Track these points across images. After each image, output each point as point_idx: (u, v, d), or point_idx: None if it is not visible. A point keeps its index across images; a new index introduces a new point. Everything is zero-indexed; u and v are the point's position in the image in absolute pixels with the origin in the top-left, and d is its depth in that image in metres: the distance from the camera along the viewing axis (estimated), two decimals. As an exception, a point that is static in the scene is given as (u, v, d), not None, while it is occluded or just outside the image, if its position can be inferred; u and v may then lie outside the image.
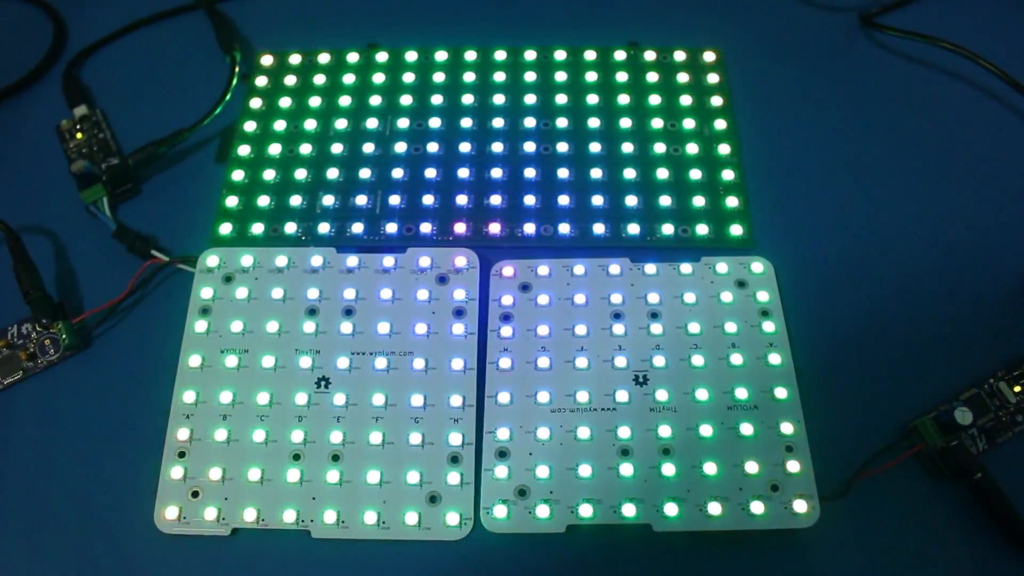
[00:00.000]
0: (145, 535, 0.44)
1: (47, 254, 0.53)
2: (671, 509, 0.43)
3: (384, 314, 0.49)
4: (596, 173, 0.54)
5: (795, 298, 0.50)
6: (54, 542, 0.44)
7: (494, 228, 0.52)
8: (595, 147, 0.55)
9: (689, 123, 0.56)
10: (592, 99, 0.57)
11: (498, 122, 0.56)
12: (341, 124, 0.56)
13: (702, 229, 0.52)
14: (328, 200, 0.53)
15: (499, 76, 0.58)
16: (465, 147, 0.55)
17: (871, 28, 0.60)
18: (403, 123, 0.56)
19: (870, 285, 0.51)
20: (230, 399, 0.47)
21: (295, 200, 0.53)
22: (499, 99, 0.57)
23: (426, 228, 0.52)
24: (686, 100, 0.57)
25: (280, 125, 0.57)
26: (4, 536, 0.45)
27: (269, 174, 0.55)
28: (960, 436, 0.45)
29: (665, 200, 0.53)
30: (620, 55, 0.59)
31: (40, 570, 0.44)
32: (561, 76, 0.58)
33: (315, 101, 0.58)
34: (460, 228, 0.52)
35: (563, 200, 0.53)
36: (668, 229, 0.52)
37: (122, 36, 0.63)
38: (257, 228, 0.53)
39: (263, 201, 0.54)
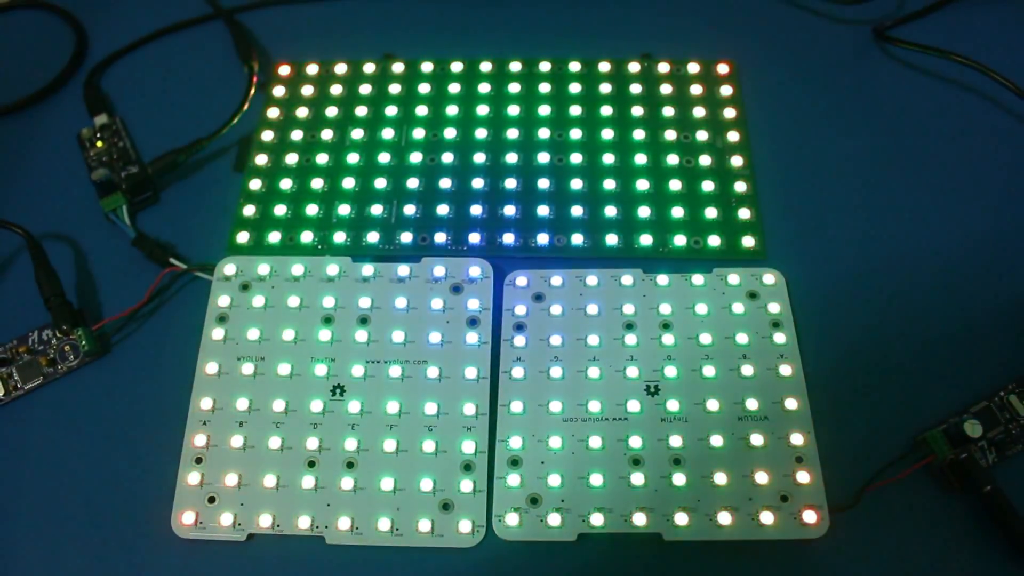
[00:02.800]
0: (162, 539, 0.45)
1: (67, 261, 0.54)
2: (681, 519, 0.44)
3: (399, 323, 0.50)
4: (609, 184, 0.54)
5: (806, 309, 0.50)
6: (72, 545, 0.45)
7: (508, 238, 0.53)
8: (608, 158, 0.55)
9: (702, 135, 0.56)
10: (606, 111, 0.58)
11: (512, 133, 0.57)
12: (357, 134, 0.57)
13: (714, 241, 0.52)
14: (344, 209, 0.54)
15: (513, 87, 0.59)
16: (479, 158, 0.56)
17: (884, 41, 0.61)
18: (418, 133, 0.57)
19: (881, 297, 0.51)
20: (246, 406, 0.47)
21: (311, 209, 0.54)
22: (513, 110, 0.58)
23: (440, 238, 0.53)
24: (699, 112, 0.57)
25: (297, 135, 0.57)
26: (23, 539, 0.45)
27: (286, 183, 0.55)
28: (970, 449, 0.45)
29: (678, 212, 0.53)
30: (634, 67, 0.60)
31: (58, 573, 0.44)
32: (575, 87, 0.59)
33: (331, 111, 0.58)
34: (474, 238, 0.53)
35: (576, 211, 0.54)
36: (680, 240, 0.52)
37: (142, 46, 0.63)
38: (274, 237, 0.53)
39: (280, 210, 0.54)
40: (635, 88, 0.59)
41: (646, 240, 0.52)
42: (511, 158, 0.56)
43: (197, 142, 0.56)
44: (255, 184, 0.55)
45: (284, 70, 0.61)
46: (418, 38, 0.62)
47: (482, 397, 0.47)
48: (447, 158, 0.56)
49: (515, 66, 0.60)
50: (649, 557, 0.44)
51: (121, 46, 0.63)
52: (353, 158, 0.56)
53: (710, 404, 0.47)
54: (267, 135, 0.57)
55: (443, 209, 0.54)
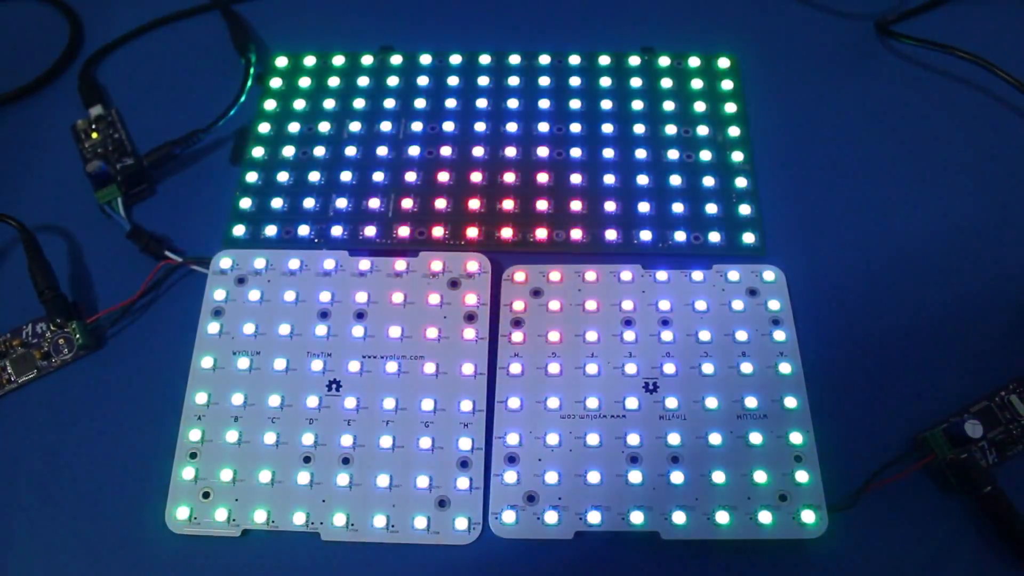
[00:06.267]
0: (156, 535, 0.45)
1: (62, 254, 0.53)
2: (679, 517, 0.44)
3: (396, 318, 0.49)
4: (609, 179, 0.54)
5: (806, 307, 0.50)
6: (66, 540, 0.45)
7: (506, 233, 0.52)
8: (608, 153, 0.55)
9: (703, 130, 0.56)
10: (606, 104, 0.57)
11: (512, 126, 0.56)
12: (355, 127, 0.57)
13: (714, 236, 0.52)
14: (341, 203, 0.54)
15: (513, 80, 0.59)
16: (478, 151, 0.55)
17: (887, 36, 0.60)
18: (417, 126, 0.57)
19: (882, 295, 0.50)
20: (242, 401, 0.47)
21: (308, 202, 0.54)
22: (513, 103, 0.57)
23: (438, 232, 0.52)
24: (700, 106, 0.57)
25: (294, 127, 0.57)
26: (17, 534, 0.45)
27: (283, 176, 0.55)
28: (970, 449, 0.45)
29: (678, 207, 0.53)
30: (634, 60, 0.59)
31: (52, 568, 0.44)
32: (575, 81, 0.58)
33: (329, 103, 0.58)
34: (472, 232, 0.52)
35: (576, 205, 0.53)
36: (680, 236, 0.52)
37: (138, 36, 0.63)
38: (270, 230, 0.53)
39: (277, 203, 0.54)
40: (635, 82, 0.58)
41: (646, 235, 0.52)
42: (510, 151, 0.55)
43: (193, 134, 0.56)
44: (252, 177, 0.55)
45: (281, 62, 0.60)
46: (417, 30, 0.62)
47: (479, 393, 0.47)
48: (445, 151, 0.55)
49: (515, 59, 0.60)
50: (646, 556, 0.44)
51: (117, 37, 0.63)
52: (351, 151, 0.56)
53: (709, 401, 0.46)
54: (264, 127, 0.57)
55: (441, 203, 0.53)
